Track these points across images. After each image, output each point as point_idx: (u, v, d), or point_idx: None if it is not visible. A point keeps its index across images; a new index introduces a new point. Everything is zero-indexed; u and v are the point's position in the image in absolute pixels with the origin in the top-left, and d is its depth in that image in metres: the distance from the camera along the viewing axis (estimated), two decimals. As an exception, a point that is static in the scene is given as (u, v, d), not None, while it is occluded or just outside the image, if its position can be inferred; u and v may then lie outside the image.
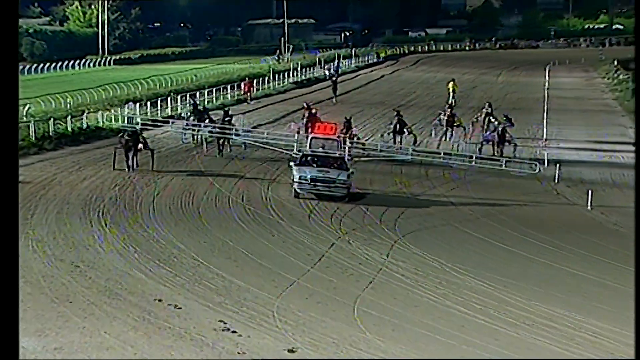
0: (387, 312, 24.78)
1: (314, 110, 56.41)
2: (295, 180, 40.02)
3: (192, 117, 54.81)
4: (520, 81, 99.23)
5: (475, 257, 31.61)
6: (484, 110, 58.78)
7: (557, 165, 47.17)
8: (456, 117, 58.41)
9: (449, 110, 59.33)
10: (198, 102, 51.68)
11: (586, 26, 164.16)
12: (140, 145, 45.69)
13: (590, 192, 40.60)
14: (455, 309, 25.51)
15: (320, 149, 42.71)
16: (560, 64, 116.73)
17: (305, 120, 54.30)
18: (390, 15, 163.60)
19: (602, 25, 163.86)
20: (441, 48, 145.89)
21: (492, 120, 55.51)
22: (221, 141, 51.63)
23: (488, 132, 54.17)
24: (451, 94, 78.36)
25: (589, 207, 39.93)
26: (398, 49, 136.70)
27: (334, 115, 69.52)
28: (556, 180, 45.50)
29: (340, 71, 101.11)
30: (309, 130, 49.37)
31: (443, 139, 57.65)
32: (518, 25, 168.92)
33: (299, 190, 39.89)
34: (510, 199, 41.48)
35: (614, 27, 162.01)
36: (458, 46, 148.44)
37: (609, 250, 33.63)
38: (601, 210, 39.81)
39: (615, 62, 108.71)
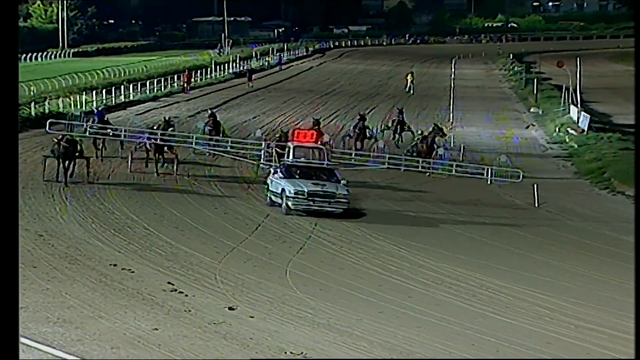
0: (315, 274, 24.91)
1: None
2: (288, 195, 32.38)
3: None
4: (430, 72, 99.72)
5: (396, 227, 31.89)
6: (395, 119, 51.44)
7: (462, 146, 47.50)
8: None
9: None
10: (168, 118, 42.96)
11: (486, 24, 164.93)
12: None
13: (490, 169, 40.75)
14: (374, 271, 25.71)
15: (303, 159, 34.82)
16: (464, 58, 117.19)
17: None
18: (316, 14, 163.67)
19: (499, 24, 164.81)
20: (362, 43, 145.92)
21: (406, 128, 49.93)
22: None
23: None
24: (409, 84, 78.66)
25: (488, 182, 40.10)
26: (326, 44, 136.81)
27: (269, 102, 69.66)
28: (460, 157, 45.75)
29: (284, 61, 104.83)
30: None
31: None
32: (428, 24, 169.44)
33: (292, 207, 32.31)
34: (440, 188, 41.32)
35: (509, 25, 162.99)
36: (376, 42, 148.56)
37: (506, 218, 34.18)
38: (503, 189, 40.05)
39: (511, 56, 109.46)
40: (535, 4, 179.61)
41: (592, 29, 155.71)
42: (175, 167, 39.50)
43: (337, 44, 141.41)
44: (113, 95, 65.10)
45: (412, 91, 78.16)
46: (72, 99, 60.25)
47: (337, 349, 18.93)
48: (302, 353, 18.26)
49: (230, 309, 21.26)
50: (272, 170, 35.27)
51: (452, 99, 65.69)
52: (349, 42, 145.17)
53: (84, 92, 63.02)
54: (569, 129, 56.03)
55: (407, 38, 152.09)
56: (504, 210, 36.82)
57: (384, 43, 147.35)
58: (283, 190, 32.76)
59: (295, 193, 32.37)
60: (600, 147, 49.55)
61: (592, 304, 23.28)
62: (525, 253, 29.04)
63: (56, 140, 36.85)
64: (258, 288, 23.16)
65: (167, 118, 42.88)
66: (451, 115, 59.46)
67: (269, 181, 34.29)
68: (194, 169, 40.66)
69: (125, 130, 41.83)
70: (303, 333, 19.81)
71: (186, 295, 22.15)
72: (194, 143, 41.78)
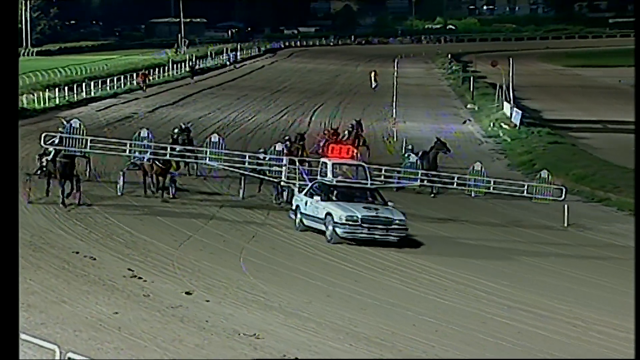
0: (267, 260, 24.88)
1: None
2: (337, 221, 26.62)
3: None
4: (385, 70, 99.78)
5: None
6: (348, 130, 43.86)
7: (405, 140, 47.59)
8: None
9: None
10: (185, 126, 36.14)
11: (426, 26, 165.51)
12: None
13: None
14: (322, 257, 25.74)
15: (340, 177, 29.21)
16: (405, 57, 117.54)
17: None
18: (268, 16, 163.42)
19: (438, 26, 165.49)
20: (310, 44, 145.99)
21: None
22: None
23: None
24: (373, 83, 78.70)
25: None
26: (277, 44, 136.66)
27: (223, 99, 69.44)
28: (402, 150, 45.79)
29: (238, 59, 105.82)
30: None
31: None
32: (372, 25, 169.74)
33: (342, 235, 26.64)
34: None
35: (447, 27, 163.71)
36: (324, 42, 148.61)
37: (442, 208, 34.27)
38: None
39: (449, 56, 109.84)
40: (471, 7, 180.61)
41: (523, 30, 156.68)
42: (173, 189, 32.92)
43: (287, 44, 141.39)
44: (75, 92, 64.58)
45: (375, 88, 78.28)
46: (35, 95, 59.69)
47: (287, 330, 18.91)
48: (254, 334, 18.22)
49: (187, 293, 21.18)
50: (297, 190, 30.13)
51: (395, 96, 65.79)
52: (299, 42, 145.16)
53: (47, 89, 62.47)
54: (502, 124, 56.42)
55: (352, 39, 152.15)
56: (537, 230, 32.52)
57: (331, 43, 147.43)
58: (329, 215, 26.99)
59: (347, 219, 26.57)
60: (531, 141, 49.94)
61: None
62: (456, 239, 29.15)
63: (41, 156, 31.32)
64: (213, 274, 23.09)
65: (183, 126, 36.08)
66: (394, 111, 59.50)
67: (298, 202, 28.90)
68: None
69: (131, 145, 32.16)
70: (256, 316, 19.77)
71: (145, 281, 22.03)
72: (207, 159, 32.56)
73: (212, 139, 32.68)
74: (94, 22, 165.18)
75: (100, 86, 69.05)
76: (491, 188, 33.85)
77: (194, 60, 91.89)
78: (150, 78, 77.34)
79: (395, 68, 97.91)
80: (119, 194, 32.48)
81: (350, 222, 26.56)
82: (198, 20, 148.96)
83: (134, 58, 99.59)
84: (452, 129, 56.61)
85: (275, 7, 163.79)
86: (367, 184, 29.02)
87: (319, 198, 27.76)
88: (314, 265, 24.71)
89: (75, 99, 63.18)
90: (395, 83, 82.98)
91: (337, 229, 26.67)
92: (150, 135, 32.34)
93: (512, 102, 60.31)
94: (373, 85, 78.79)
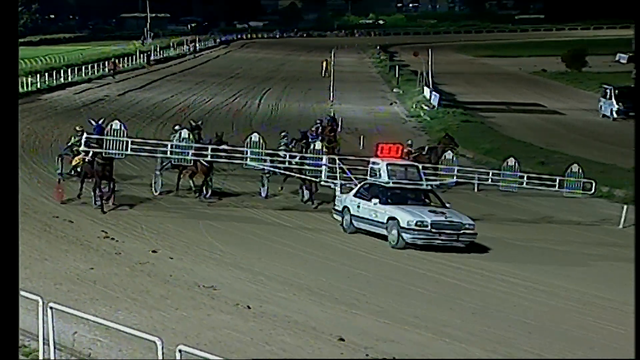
0: (224, 224, 24.80)
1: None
2: (404, 226, 22.21)
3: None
4: (314, 60, 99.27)
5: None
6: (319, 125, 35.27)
7: (340, 120, 47.47)
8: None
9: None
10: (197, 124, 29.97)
11: (360, 21, 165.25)
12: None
13: (363, 137, 40.76)
14: (273, 222, 25.67)
15: (394, 178, 24.10)
16: (341, 48, 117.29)
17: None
18: (223, 11, 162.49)
19: (370, 21, 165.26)
20: (260, 36, 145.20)
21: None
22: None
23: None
24: (323, 72, 77.86)
25: (361, 148, 40.03)
26: (230, 36, 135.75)
27: (184, 84, 68.93)
28: (339, 128, 45.72)
29: (197, 49, 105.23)
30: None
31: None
32: (314, 20, 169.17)
33: (410, 241, 22.29)
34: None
35: (378, 22, 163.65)
36: (271, 35, 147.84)
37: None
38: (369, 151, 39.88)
39: (378, 47, 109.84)
40: (398, 5, 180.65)
41: (441, 26, 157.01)
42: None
43: (239, 36, 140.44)
44: (54, 77, 63.75)
45: (326, 74, 77.63)
46: (19, 80, 58.67)
47: (240, 282, 18.91)
48: (212, 286, 18.16)
49: (153, 251, 21.06)
50: (338, 190, 25.20)
51: (332, 82, 65.61)
52: (249, 35, 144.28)
53: (29, 75, 61.42)
54: (423, 105, 56.55)
55: (296, 32, 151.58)
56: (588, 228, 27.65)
57: (277, 36, 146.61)
58: (392, 219, 22.56)
59: (416, 224, 22.19)
60: (447, 120, 50.11)
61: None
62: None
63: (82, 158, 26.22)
64: (177, 235, 22.99)
65: (194, 123, 29.93)
66: (331, 94, 59.41)
67: (347, 203, 24.20)
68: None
69: (172, 146, 26.97)
70: (213, 270, 19.73)
71: (117, 241, 21.87)
72: (247, 159, 26.92)
73: (253, 139, 26.81)
74: (70, 17, 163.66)
75: (76, 72, 68.01)
76: (524, 183, 27.70)
77: (151, 50, 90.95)
78: (120, 66, 76.45)
79: (332, 57, 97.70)
80: (156, 194, 27.53)
81: (420, 228, 22.16)
82: (162, 15, 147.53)
83: (106, 48, 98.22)
84: (381, 109, 56.83)
85: (229, 3, 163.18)
86: (422, 184, 24.27)
87: (377, 201, 23.07)
88: (265, 228, 24.65)
89: (55, 83, 62.29)
90: (332, 70, 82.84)
91: (405, 235, 22.21)
92: (191, 136, 26.85)
93: (431, 86, 60.57)
94: (323, 73, 78.21)
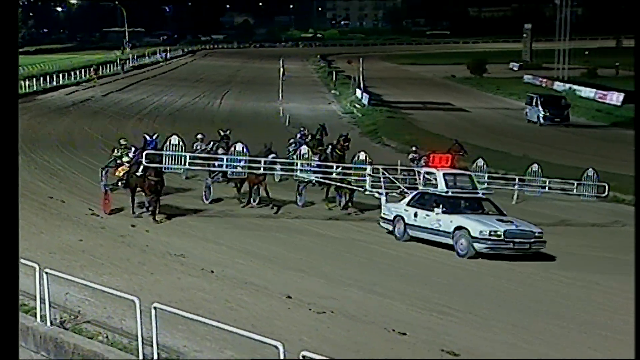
0: (194, 202, 24.43)
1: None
2: (476, 235, 18.83)
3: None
4: (265, 67, 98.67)
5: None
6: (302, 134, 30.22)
7: (288, 116, 47.20)
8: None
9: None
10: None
11: (302, 35, 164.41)
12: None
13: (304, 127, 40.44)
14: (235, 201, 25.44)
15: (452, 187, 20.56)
16: (288, 57, 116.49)
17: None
18: (190, 26, 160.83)
19: (310, 35, 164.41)
20: (220, 47, 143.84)
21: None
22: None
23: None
24: (281, 75, 76.35)
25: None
26: (196, 47, 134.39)
27: (157, 87, 68.10)
28: (287, 123, 45.53)
29: (168, 58, 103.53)
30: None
31: None
32: (264, 34, 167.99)
33: (483, 250, 18.84)
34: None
35: (317, 35, 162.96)
36: (230, 46, 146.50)
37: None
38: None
39: (318, 56, 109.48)
40: (333, 22, 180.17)
41: (369, 39, 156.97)
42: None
43: (203, 47, 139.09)
44: (47, 81, 62.67)
45: (284, 77, 76.36)
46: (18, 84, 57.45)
47: (207, 251, 18.70)
48: (181, 254, 17.95)
49: (132, 226, 20.77)
50: (384, 198, 21.47)
51: (281, 84, 65.33)
52: (212, 46, 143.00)
53: (26, 79, 60.15)
54: (355, 104, 56.61)
55: (250, 44, 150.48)
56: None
57: (235, 47, 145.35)
58: (460, 229, 19.16)
59: (490, 234, 18.80)
60: (375, 116, 50.15)
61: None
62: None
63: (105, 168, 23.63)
64: (147, 214, 22.50)
65: (222, 132, 26.07)
66: (280, 95, 59.16)
67: (400, 212, 20.59)
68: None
69: (226, 160, 22.60)
70: (184, 242, 19.43)
71: (101, 218, 21.52)
72: (298, 170, 23.00)
73: (302, 151, 23.19)
74: (61, 31, 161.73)
75: (66, 77, 66.95)
76: (546, 188, 23.89)
77: (125, 60, 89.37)
78: (100, 72, 75.21)
79: (281, 65, 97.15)
80: (207, 202, 23.83)
81: (493, 237, 18.80)
82: (138, 29, 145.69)
83: (91, 57, 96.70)
84: (322, 108, 56.64)
85: (194, 20, 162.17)
86: (478, 193, 20.77)
87: (440, 210, 19.61)
88: (230, 209, 24.23)
89: (48, 86, 61.34)
90: (280, 75, 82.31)
91: (477, 244, 18.82)
92: (245, 149, 22.59)
93: (362, 88, 60.59)
94: (282, 77, 77.16)
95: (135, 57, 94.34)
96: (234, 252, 18.79)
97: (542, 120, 48.51)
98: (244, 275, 16.73)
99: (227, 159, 22.48)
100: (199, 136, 26.15)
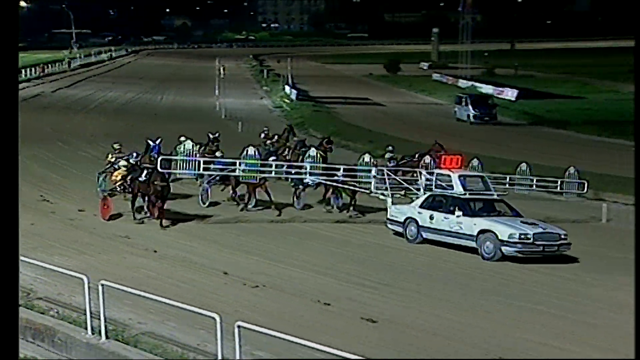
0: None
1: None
2: (505, 239, 16.51)
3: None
4: (203, 65, 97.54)
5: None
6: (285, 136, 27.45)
7: (224, 110, 46.71)
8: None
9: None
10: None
11: (236, 37, 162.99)
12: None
13: (241, 123, 40.24)
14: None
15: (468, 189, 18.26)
16: (223, 57, 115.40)
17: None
18: (133, 28, 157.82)
19: (243, 37, 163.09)
20: (161, 47, 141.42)
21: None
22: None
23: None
24: (221, 74, 74.66)
25: (239, 131, 39.35)
26: (139, 47, 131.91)
27: (102, 83, 66.62)
28: (224, 116, 45.04)
29: (113, 57, 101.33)
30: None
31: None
32: (201, 36, 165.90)
33: (512, 254, 16.54)
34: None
35: (250, 37, 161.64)
36: (170, 47, 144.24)
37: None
38: (253, 132, 39.31)
39: (251, 56, 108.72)
40: (263, 25, 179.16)
41: (296, 40, 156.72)
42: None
43: (145, 47, 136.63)
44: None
45: (223, 76, 75.07)
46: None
47: (149, 233, 18.35)
48: (126, 236, 17.64)
49: (81, 210, 20.29)
50: (390, 200, 19.10)
51: (218, 82, 64.66)
52: (153, 46, 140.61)
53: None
54: (285, 99, 56.45)
55: (188, 45, 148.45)
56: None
57: (174, 48, 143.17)
58: (485, 232, 16.88)
59: (520, 237, 16.52)
60: (303, 110, 50.03)
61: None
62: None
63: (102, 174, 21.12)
64: (95, 201, 21.88)
65: (211, 135, 23.69)
66: (217, 90, 58.56)
67: (412, 214, 18.24)
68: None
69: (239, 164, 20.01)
70: (127, 225, 19.02)
71: (52, 203, 21.00)
72: (307, 174, 20.39)
73: (311, 154, 20.75)
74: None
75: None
76: (534, 186, 21.31)
77: (72, 58, 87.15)
78: (47, 70, 73.12)
79: (217, 64, 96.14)
80: (204, 206, 20.99)
81: (523, 240, 16.57)
82: (85, 31, 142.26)
83: (41, 56, 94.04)
84: (255, 103, 56.32)
85: (137, 22, 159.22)
86: (493, 194, 18.39)
87: (460, 213, 17.31)
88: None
89: None
90: (218, 73, 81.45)
91: (506, 248, 16.53)
92: (256, 154, 20.23)
93: (290, 85, 60.45)
94: (221, 75, 76.11)
95: (82, 56, 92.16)
96: (177, 233, 18.51)
97: (472, 119, 46.10)
98: (184, 253, 16.53)
99: (239, 163, 19.84)
100: (182, 138, 22.13)
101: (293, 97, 56.14)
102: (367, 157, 20.75)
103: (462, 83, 67.49)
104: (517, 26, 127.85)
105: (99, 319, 10.72)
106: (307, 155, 20.85)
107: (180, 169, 19.26)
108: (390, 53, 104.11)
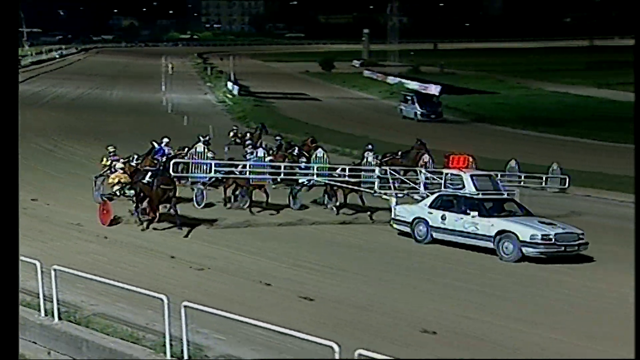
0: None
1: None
2: (527, 240, 15.08)
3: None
4: (150, 63, 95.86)
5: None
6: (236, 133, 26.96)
7: (170, 104, 46.06)
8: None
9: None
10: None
11: (181, 36, 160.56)
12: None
13: (187, 117, 39.62)
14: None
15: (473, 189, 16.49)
16: (169, 55, 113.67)
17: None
18: (82, 27, 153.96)
19: (188, 36, 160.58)
20: (110, 46, 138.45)
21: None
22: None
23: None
24: (169, 70, 72.31)
25: (185, 124, 38.85)
26: (88, 45, 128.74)
27: (53, 80, 64.79)
28: (170, 110, 44.39)
29: (63, 55, 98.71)
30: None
31: None
32: (148, 35, 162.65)
33: (533, 255, 15.09)
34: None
35: (194, 37, 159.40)
36: (118, 45, 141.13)
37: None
38: (197, 125, 38.88)
39: (196, 54, 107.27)
40: (207, 25, 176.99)
41: (237, 40, 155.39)
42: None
43: (95, 46, 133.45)
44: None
45: (172, 72, 73.47)
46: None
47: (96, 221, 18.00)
48: (78, 223, 17.24)
49: (33, 200, 19.74)
50: (394, 200, 17.50)
51: (164, 78, 63.54)
52: (102, 45, 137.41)
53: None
54: (227, 95, 56.00)
55: (135, 43, 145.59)
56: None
57: (122, 46, 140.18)
58: (504, 232, 15.39)
59: (542, 238, 15.05)
60: (244, 105, 49.76)
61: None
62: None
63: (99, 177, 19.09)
64: (56, 190, 21.55)
65: (202, 137, 20.74)
66: (163, 86, 57.66)
67: (421, 214, 16.71)
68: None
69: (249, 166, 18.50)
70: (79, 213, 18.56)
71: (48, 205, 19.67)
72: (314, 175, 18.69)
73: (318, 154, 19.18)
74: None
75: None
76: (522, 182, 19.56)
77: (23, 56, 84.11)
78: None
79: (164, 62, 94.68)
80: (199, 207, 19.30)
81: (546, 241, 15.09)
82: (36, 30, 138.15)
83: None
84: (200, 98, 55.65)
85: (87, 21, 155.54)
86: (503, 194, 16.85)
87: (476, 214, 15.82)
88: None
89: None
90: (164, 70, 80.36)
91: (528, 249, 15.11)
92: (266, 155, 19.16)
93: (233, 81, 59.99)
94: (170, 72, 74.87)
95: (33, 54, 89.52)
96: (126, 219, 18.16)
97: (419, 117, 44.54)
98: (132, 238, 16.27)
99: (250, 165, 18.38)
100: (165, 140, 20.55)
101: (235, 92, 55.76)
102: (370, 157, 19.34)
103: (391, 79, 68.06)
104: (439, 28, 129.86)
105: (52, 302, 10.50)
106: (317, 157, 18.94)
107: (192, 172, 17.50)
108: (324, 52, 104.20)
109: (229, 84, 60.15)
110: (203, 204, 19.27)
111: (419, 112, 45.05)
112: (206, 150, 18.47)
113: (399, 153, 20.88)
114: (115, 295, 11.33)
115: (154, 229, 17.02)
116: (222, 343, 9.97)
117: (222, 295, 12.40)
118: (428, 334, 10.90)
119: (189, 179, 18.30)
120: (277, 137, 22.00)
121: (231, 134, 25.52)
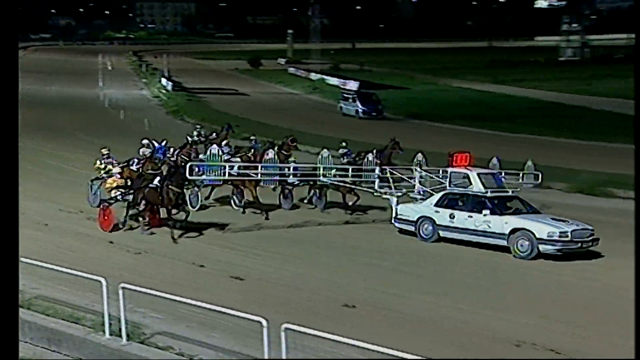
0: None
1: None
2: (544, 237, 14.01)
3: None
4: (89, 60, 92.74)
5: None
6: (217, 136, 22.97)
7: (107, 99, 44.90)
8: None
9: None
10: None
11: (117, 35, 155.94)
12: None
13: (123, 111, 38.77)
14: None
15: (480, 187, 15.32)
16: (105, 53, 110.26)
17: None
18: (20, 26, 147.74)
19: (123, 35, 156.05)
20: (48, 44, 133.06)
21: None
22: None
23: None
24: (108, 67, 69.39)
25: (121, 118, 38.18)
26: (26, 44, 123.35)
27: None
28: (107, 105, 43.27)
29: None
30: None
31: None
32: (85, 34, 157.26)
33: (551, 252, 14.05)
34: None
35: (129, 36, 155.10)
36: (57, 44, 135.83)
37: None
38: (133, 119, 38.14)
39: (131, 52, 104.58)
40: (141, 25, 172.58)
41: (171, 39, 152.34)
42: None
43: (33, 44, 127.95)
44: None
45: (112, 69, 70.90)
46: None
47: (40, 208, 17.35)
48: (46, 225, 16.31)
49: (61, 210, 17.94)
50: (394, 199, 16.42)
51: (102, 75, 61.83)
52: (40, 43, 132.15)
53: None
54: (162, 90, 55.01)
55: (73, 42, 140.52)
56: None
57: (61, 44, 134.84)
58: (519, 230, 14.32)
59: (560, 235, 14.05)
60: (178, 100, 49.00)
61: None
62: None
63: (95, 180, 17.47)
64: (32, 181, 19.99)
65: (190, 139, 20.33)
66: (100, 82, 56.12)
67: (426, 213, 15.57)
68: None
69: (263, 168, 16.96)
70: (52, 212, 17.51)
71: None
72: (321, 175, 17.16)
73: (323, 155, 17.51)
74: None
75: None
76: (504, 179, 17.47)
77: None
78: None
79: (101, 60, 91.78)
80: (194, 209, 17.31)
81: (563, 238, 14.07)
82: None
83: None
84: (136, 93, 54.45)
85: (25, 20, 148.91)
86: (508, 192, 15.69)
87: (487, 212, 14.69)
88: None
89: None
90: (102, 67, 78.04)
91: (545, 246, 14.10)
92: (276, 157, 17.46)
93: (167, 77, 58.91)
94: (109, 68, 72.59)
95: None
96: (66, 207, 17.70)
97: (360, 114, 42.57)
98: (73, 226, 15.88)
99: (261, 167, 16.86)
100: (145, 141, 18.61)
101: (169, 88, 54.87)
102: (370, 157, 17.92)
103: (313, 76, 68.31)
104: (356, 29, 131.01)
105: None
106: (322, 157, 17.42)
107: (208, 175, 15.92)
108: (252, 50, 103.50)
109: (163, 80, 59.09)
110: (198, 206, 17.72)
111: (360, 110, 43.23)
112: (221, 152, 16.66)
113: (374, 152, 18.70)
114: (56, 279, 11.07)
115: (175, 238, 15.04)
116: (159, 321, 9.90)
117: (157, 276, 12.25)
118: (348, 307, 11.09)
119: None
120: (252, 137, 20.49)
121: (195, 133, 23.62)
